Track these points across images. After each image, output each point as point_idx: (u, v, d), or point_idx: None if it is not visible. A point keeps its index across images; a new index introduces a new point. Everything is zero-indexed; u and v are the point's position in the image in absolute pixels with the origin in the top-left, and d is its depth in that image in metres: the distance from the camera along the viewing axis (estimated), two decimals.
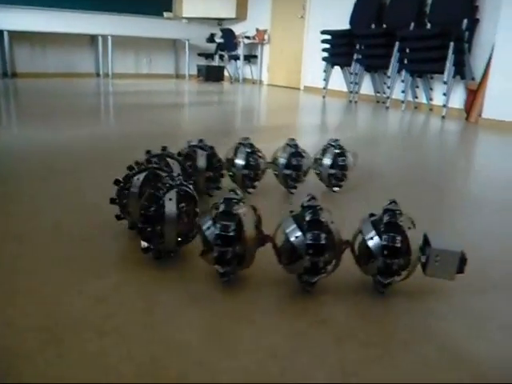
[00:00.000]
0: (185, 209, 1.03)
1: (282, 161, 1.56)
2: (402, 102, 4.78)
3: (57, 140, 2.41)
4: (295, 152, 1.56)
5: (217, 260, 0.91)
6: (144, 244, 1.03)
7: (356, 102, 5.37)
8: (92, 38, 7.22)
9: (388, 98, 4.88)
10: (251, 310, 0.89)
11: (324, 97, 5.81)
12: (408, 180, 1.96)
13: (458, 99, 4.49)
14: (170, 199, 0.99)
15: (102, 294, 0.92)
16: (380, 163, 2.26)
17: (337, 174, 1.62)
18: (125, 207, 1.18)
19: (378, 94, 5.46)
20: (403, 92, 4.74)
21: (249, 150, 1.54)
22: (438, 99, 4.61)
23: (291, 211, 0.96)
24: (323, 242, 0.88)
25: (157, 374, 0.69)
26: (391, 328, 0.85)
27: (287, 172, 1.57)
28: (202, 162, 1.45)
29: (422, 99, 4.92)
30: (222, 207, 0.93)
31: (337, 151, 1.60)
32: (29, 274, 0.99)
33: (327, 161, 1.60)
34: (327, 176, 1.63)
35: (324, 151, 1.63)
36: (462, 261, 0.91)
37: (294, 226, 0.91)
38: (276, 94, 6.29)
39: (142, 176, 1.14)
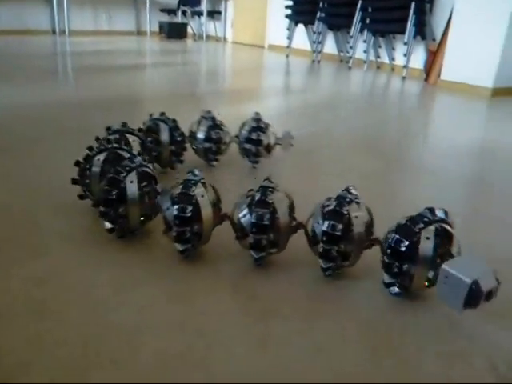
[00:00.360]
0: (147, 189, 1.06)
1: (200, 135, 1.53)
2: (365, 61, 4.78)
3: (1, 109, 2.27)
4: (213, 125, 1.52)
5: (252, 246, 0.96)
6: (108, 225, 1.06)
7: (319, 61, 5.31)
8: None
9: (351, 57, 4.86)
10: (184, 290, 0.90)
11: (288, 56, 5.71)
12: (355, 148, 1.94)
13: (419, 60, 4.48)
14: (132, 182, 1.02)
15: (41, 277, 0.90)
16: (332, 130, 2.24)
17: (252, 149, 1.55)
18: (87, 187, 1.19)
19: (342, 54, 5.40)
20: (365, 52, 4.74)
21: (171, 125, 1.49)
22: (400, 59, 4.59)
23: (328, 198, 0.99)
24: (338, 232, 0.90)
25: (88, 355, 0.72)
26: (316, 304, 0.88)
27: (207, 145, 1.53)
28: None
29: (385, 59, 4.91)
30: (257, 196, 0.96)
31: (254, 125, 1.54)
32: None
33: (243, 135, 1.56)
34: (244, 151, 1.59)
35: (243, 125, 1.59)
36: (475, 293, 0.74)
37: (319, 213, 0.96)
38: (240, 52, 6.14)
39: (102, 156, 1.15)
